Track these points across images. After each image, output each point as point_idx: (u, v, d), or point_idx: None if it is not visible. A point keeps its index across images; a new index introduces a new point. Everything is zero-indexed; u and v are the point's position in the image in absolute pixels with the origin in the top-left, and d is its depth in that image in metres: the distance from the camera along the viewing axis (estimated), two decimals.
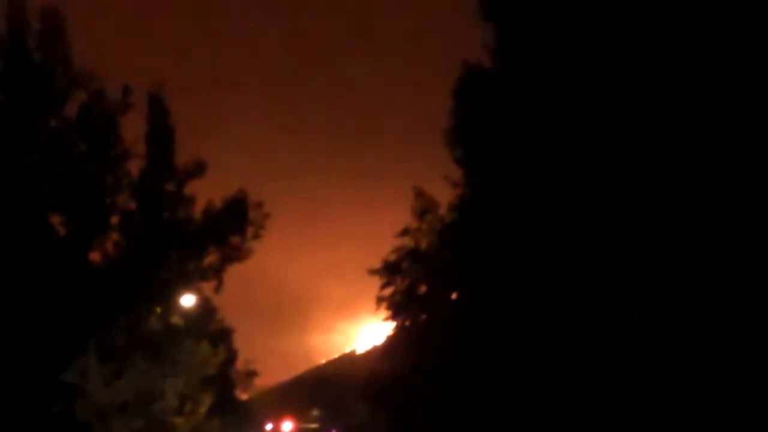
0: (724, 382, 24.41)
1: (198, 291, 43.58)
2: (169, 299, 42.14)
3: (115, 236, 41.46)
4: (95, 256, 41.18)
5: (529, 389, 29.01)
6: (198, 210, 43.18)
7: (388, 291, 38.35)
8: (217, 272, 43.42)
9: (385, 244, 38.22)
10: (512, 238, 29.52)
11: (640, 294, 26.19)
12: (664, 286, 25.74)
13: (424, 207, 37.26)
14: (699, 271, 25.06)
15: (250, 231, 43.93)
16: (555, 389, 28.12)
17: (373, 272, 38.34)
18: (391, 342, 39.54)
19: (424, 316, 37.65)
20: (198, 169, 42.71)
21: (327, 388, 78.71)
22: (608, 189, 26.64)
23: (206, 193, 43.23)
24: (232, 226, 43.48)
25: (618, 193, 26.49)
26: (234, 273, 44.18)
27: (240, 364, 51.98)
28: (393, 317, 38.77)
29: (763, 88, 24.72)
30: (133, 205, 41.90)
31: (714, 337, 24.71)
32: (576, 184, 27.51)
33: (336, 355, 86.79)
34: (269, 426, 74.66)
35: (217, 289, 43.92)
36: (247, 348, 52.09)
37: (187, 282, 42.53)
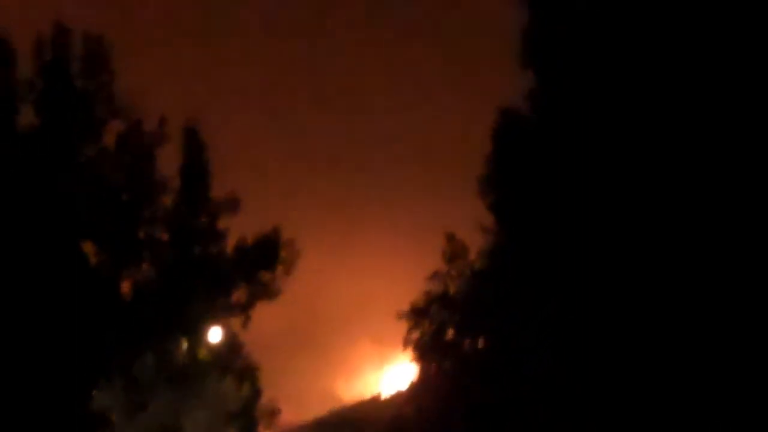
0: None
1: (225, 326, 43.61)
2: (196, 333, 42.22)
3: (145, 268, 41.59)
4: (124, 287, 41.30)
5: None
6: (230, 245, 43.23)
7: (415, 334, 38.21)
8: (245, 309, 43.43)
9: (416, 287, 38.14)
10: (541, 288, 29.48)
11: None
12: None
13: (455, 252, 37.14)
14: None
15: (280, 269, 43.88)
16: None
17: (401, 315, 38.21)
18: (416, 387, 39.35)
19: (448, 362, 37.47)
20: (232, 205, 42.79)
21: (350, 430, 78.11)
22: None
23: (240, 225, 43.23)
24: (262, 264, 43.45)
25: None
26: (263, 308, 44.18)
27: (264, 402, 51.83)
28: (419, 361, 38.59)
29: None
30: (165, 238, 42.00)
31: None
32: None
33: (360, 398, 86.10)
34: None
35: (245, 325, 43.89)
36: (272, 386, 51.91)
37: (214, 317, 42.59)
